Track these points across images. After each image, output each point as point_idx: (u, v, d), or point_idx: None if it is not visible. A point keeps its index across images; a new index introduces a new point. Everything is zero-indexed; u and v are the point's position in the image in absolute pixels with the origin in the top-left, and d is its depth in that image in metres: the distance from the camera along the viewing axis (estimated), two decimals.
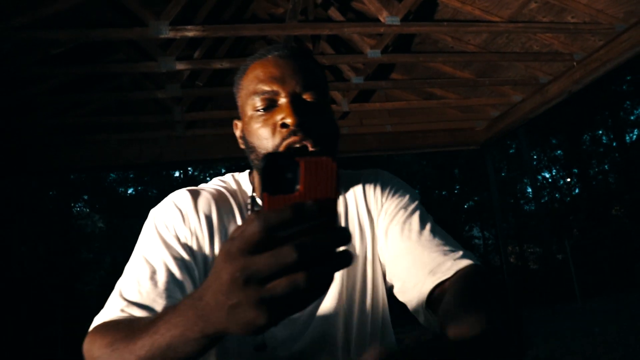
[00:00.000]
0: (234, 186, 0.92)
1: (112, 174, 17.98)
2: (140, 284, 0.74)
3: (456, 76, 4.29)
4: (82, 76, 3.84)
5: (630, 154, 16.41)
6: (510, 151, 19.72)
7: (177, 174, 19.67)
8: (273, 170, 0.43)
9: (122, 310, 0.71)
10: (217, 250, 0.83)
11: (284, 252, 0.40)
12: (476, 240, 19.50)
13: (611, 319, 7.00)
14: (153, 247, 0.80)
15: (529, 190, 18.79)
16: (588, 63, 3.51)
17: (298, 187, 0.43)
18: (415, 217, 0.86)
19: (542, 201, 18.58)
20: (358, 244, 0.89)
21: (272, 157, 0.44)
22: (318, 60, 0.92)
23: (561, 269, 13.80)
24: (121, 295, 0.74)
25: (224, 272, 0.43)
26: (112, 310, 0.72)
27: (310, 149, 0.76)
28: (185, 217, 0.83)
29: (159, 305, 0.72)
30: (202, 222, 0.83)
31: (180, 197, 0.86)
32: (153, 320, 0.55)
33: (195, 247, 0.82)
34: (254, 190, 0.90)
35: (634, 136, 18.45)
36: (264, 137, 0.79)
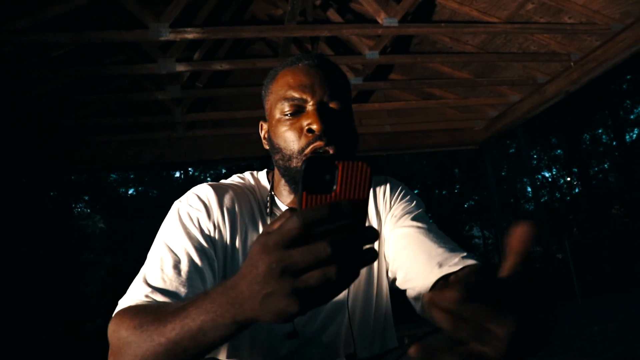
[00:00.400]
0: (253, 184, 0.97)
1: (112, 175, 18.00)
2: (164, 272, 0.78)
3: (454, 76, 4.31)
4: (83, 78, 3.86)
5: (630, 153, 16.41)
6: (510, 150, 19.74)
7: (177, 174, 19.71)
8: (312, 171, 0.47)
9: (147, 296, 0.74)
10: (237, 243, 0.88)
11: (319, 247, 0.43)
12: (476, 240, 19.52)
13: (611, 317, 7.01)
14: (177, 237, 0.84)
15: (529, 189, 18.82)
16: (585, 63, 3.53)
17: (335, 187, 0.47)
18: (422, 219, 0.92)
19: (542, 200, 18.60)
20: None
21: (313, 160, 0.47)
22: (338, 66, 0.96)
23: (561, 268, 13.81)
24: (145, 282, 0.77)
25: (260, 263, 0.46)
26: (137, 295, 0.75)
27: (332, 152, 0.81)
28: (209, 210, 0.87)
29: (181, 292, 0.75)
30: (225, 217, 0.88)
31: (204, 191, 0.90)
32: (184, 305, 0.58)
33: (217, 239, 0.86)
34: (272, 189, 0.95)
35: (634, 135, 18.48)
36: (291, 140, 0.85)
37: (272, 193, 0.94)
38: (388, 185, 0.99)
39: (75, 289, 13.99)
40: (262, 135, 0.96)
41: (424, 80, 4.29)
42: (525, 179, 19.14)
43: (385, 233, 0.94)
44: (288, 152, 0.85)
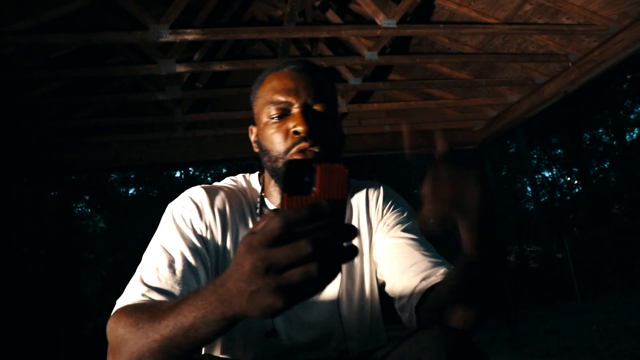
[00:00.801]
0: (245, 185, 1.01)
1: (113, 174, 18.01)
2: (159, 271, 0.81)
3: (453, 77, 4.32)
4: (84, 79, 3.88)
5: (630, 153, 16.39)
6: (511, 150, 19.73)
7: (177, 174, 19.72)
8: (292, 173, 0.50)
9: (143, 295, 0.77)
10: (228, 243, 0.91)
11: (301, 246, 0.46)
12: None
13: (610, 317, 7.02)
14: (171, 237, 0.87)
15: (529, 189, 18.81)
16: (583, 64, 3.54)
17: (314, 189, 0.49)
18: (413, 231, 0.97)
19: (542, 200, 18.59)
20: (358, 245, 0.98)
21: (291, 163, 0.50)
22: (325, 69, 1.01)
23: (561, 268, 13.82)
24: (142, 281, 0.80)
25: (246, 262, 0.48)
26: (134, 294, 0.78)
27: (317, 151, 0.85)
28: (201, 211, 0.91)
29: (176, 290, 0.78)
30: (216, 217, 0.91)
31: (196, 193, 0.94)
32: (177, 303, 0.61)
33: (209, 239, 0.90)
34: (263, 191, 0.99)
35: (634, 135, 18.47)
36: (277, 142, 0.88)
37: (262, 194, 0.98)
38: (381, 193, 1.02)
39: (76, 289, 14.00)
40: (252, 139, 0.99)
41: (423, 80, 4.30)
42: (525, 179, 19.13)
43: (376, 240, 0.98)
44: (275, 154, 0.88)
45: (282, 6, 3.98)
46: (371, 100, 4.81)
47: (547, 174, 20.55)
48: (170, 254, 0.84)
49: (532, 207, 18.62)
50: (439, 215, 0.63)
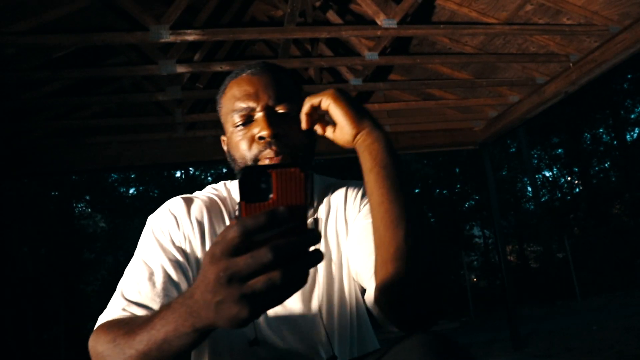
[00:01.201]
0: (225, 194, 0.98)
1: (113, 174, 18.02)
2: (139, 285, 0.80)
3: (454, 77, 4.32)
4: (84, 79, 3.88)
5: (630, 153, 16.38)
6: (511, 150, 19.73)
7: (178, 174, 19.73)
8: (249, 181, 0.49)
9: (124, 310, 0.77)
10: None
11: (261, 253, 0.45)
12: (476, 239, 19.51)
13: (610, 317, 7.02)
14: (151, 250, 0.86)
15: (530, 189, 18.81)
16: (584, 64, 3.54)
17: (271, 195, 0.49)
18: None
19: (543, 200, 18.59)
20: (335, 249, 0.94)
21: (247, 169, 0.49)
22: (286, 69, 0.96)
23: (561, 268, 13.82)
24: (122, 296, 0.80)
25: (209, 273, 0.48)
26: (115, 309, 0.78)
27: (278, 158, 0.82)
28: (179, 222, 0.90)
29: (157, 304, 0.78)
30: (194, 228, 0.90)
31: (174, 204, 0.93)
32: (150, 317, 0.61)
33: (188, 250, 0.88)
34: None
35: (635, 135, 18.47)
36: (243, 150, 0.86)
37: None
38: (360, 190, 0.97)
39: (77, 289, 14.02)
40: (225, 149, 0.97)
41: (423, 81, 4.30)
42: (525, 179, 19.13)
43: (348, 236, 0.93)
44: (242, 162, 0.87)
45: (282, 6, 3.98)
46: (371, 100, 4.81)
47: (547, 174, 20.56)
48: (150, 267, 0.83)
49: (532, 207, 18.62)
50: None
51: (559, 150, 20.04)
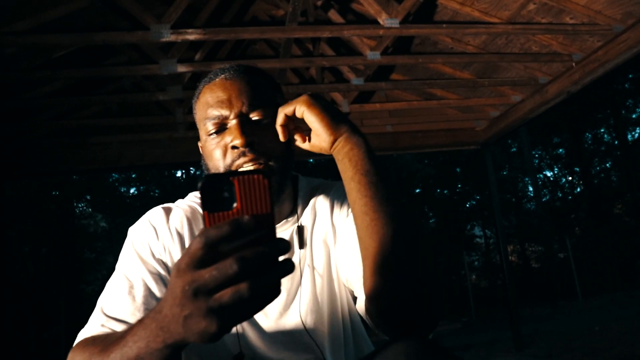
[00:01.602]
0: None
1: (114, 174, 18.01)
2: (119, 299, 0.79)
3: (456, 77, 4.30)
4: (85, 79, 3.87)
5: (632, 153, 16.35)
6: (512, 150, 19.71)
7: (179, 173, 19.72)
8: (211, 189, 0.46)
9: (103, 325, 0.75)
10: None
11: (226, 265, 0.43)
12: (477, 239, 19.50)
13: (612, 317, 7.01)
14: (131, 263, 0.84)
15: (531, 188, 18.79)
16: (587, 64, 3.52)
17: (235, 204, 0.46)
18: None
19: (544, 200, 18.57)
20: (323, 256, 0.90)
21: (208, 177, 0.47)
22: (262, 70, 0.92)
23: (562, 268, 13.80)
24: (102, 311, 0.78)
25: (176, 286, 0.46)
26: (94, 325, 0.76)
27: (255, 166, 0.79)
28: (158, 234, 0.87)
29: (136, 318, 0.75)
30: (174, 238, 0.87)
31: (154, 215, 0.90)
32: (123, 334, 0.59)
33: (169, 261, 0.86)
34: None
35: (636, 134, 18.46)
36: (217, 159, 0.82)
37: None
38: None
39: (77, 288, 14.03)
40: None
41: (425, 80, 4.28)
42: (527, 179, 19.11)
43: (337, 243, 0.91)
44: (215, 171, 0.83)
45: (284, 6, 3.97)
46: (373, 100, 4.79)
47: (548, 174, 20.52)
48: (130, 281, 0.81)
49: (533, 206, 18.58)
50: None
51: (560, 150, 20.02)
